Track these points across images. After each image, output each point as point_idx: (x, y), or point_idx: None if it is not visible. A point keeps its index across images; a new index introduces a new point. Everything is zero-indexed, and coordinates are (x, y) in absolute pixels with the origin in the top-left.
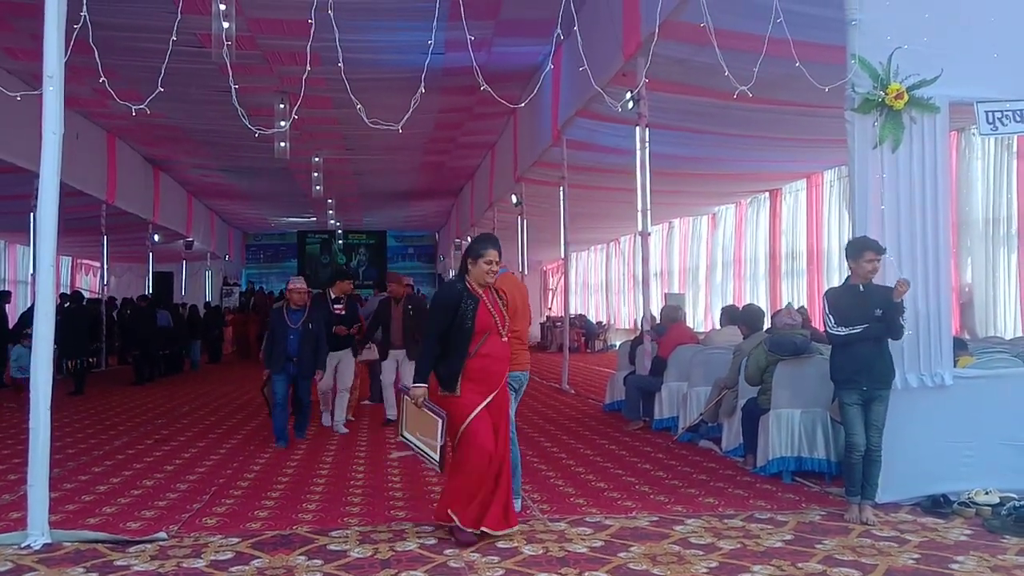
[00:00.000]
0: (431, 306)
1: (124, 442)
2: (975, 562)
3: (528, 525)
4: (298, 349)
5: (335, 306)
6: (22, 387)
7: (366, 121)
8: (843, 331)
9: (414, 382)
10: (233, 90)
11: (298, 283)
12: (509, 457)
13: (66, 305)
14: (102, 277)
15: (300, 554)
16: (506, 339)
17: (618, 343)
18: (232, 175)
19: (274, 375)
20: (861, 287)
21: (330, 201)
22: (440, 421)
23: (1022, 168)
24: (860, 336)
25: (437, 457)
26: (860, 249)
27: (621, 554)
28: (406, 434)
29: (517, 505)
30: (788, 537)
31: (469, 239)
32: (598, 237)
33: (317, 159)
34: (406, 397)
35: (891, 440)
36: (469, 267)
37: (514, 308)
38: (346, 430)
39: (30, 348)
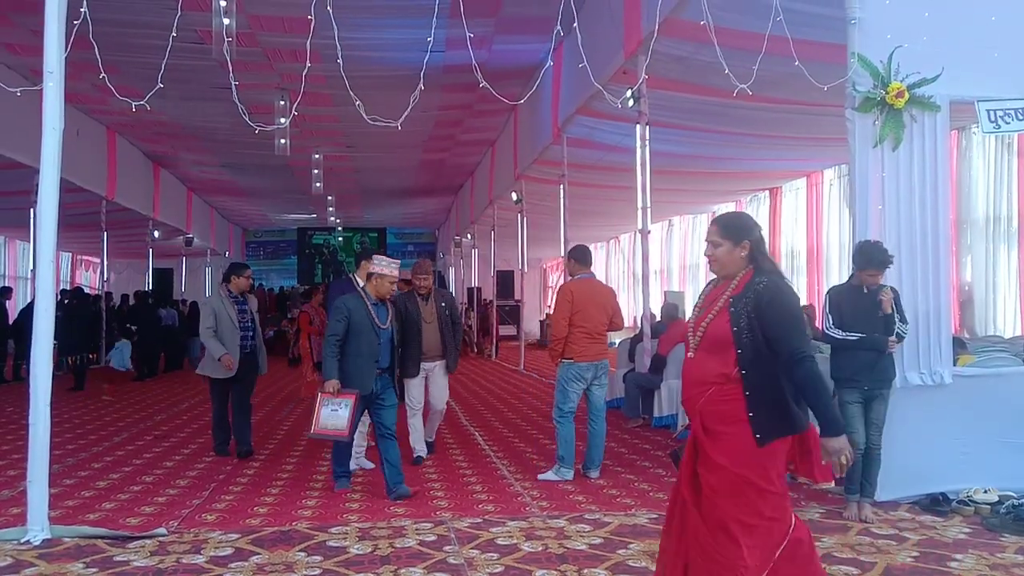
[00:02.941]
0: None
1: (124, 438)
2: (973, 560)
3: (527, 522)
4: (390, 358)
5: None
6: (113, 379)
7: (366, 118)
8: (839, 334)
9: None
10: (234, 86)
11: (392, 268)
12: (704, 545)
13: (66, 301)
14: (102, 273)
15: (300, 550)
16: (692, 355)
17: (618, 340)
18: (232, 171)
19: (350, 393)
20: (865, 289)
21: (330, 198)
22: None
23: (1023, 167)
24: (855, 344)
25: None
26: (864, 264)
27: (620, 551)
28: None
29: (596, 473)
30: None
31: (469, 236)
32: (598, 235)
33: (317, 156)
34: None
35: (890, 438)
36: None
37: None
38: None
39: (128, 343)
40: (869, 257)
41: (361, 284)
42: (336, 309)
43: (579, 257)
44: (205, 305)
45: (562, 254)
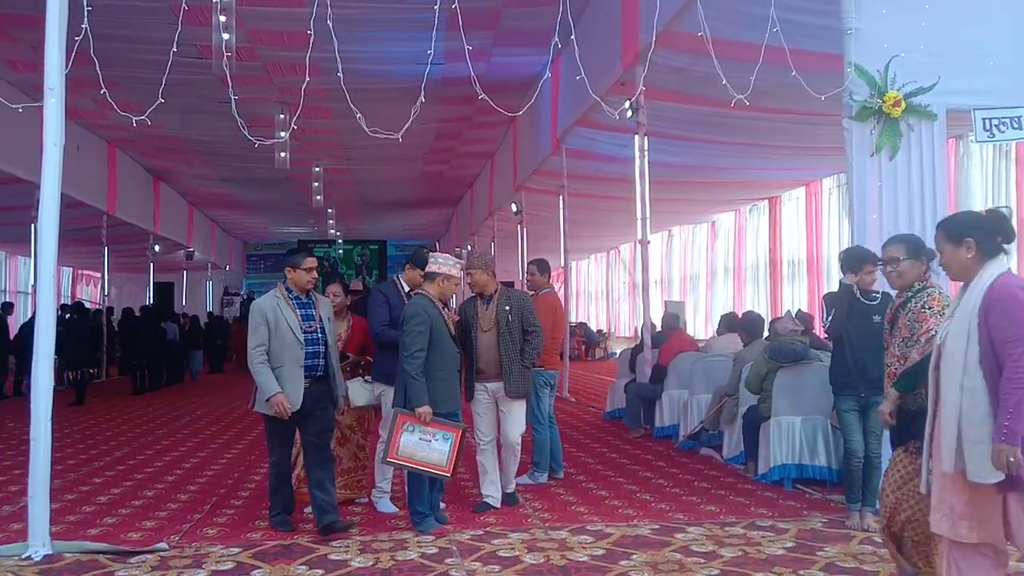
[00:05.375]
0: None
1: (125, 452)
2: None
3: (529, 533)
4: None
5: None
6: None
7: (366, 130)
8: (830, 322)
9: None
10: (233, 101)
11: (457, 268)
12: None
13: (67, 316)
14: (103, 288)
15: (301, 564)
16: None
17: (618, 351)
18: (232, 185)
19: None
20: (858, 293)
21: (330, 211)
22: None
23: (1021, 174)
24: (838, 314)
25: None
26: (860, 262)
27: (622, 562)
28: None
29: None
30: (790, 544)
31: (469, 247)
32: (598, 245)
33: (317, 169)
34: None
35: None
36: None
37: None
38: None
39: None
40: (863, 255)
41: (406, 289)
42: (413, 317)
43: (545, 270)
44: (254, 312)
45: (563, 264)
